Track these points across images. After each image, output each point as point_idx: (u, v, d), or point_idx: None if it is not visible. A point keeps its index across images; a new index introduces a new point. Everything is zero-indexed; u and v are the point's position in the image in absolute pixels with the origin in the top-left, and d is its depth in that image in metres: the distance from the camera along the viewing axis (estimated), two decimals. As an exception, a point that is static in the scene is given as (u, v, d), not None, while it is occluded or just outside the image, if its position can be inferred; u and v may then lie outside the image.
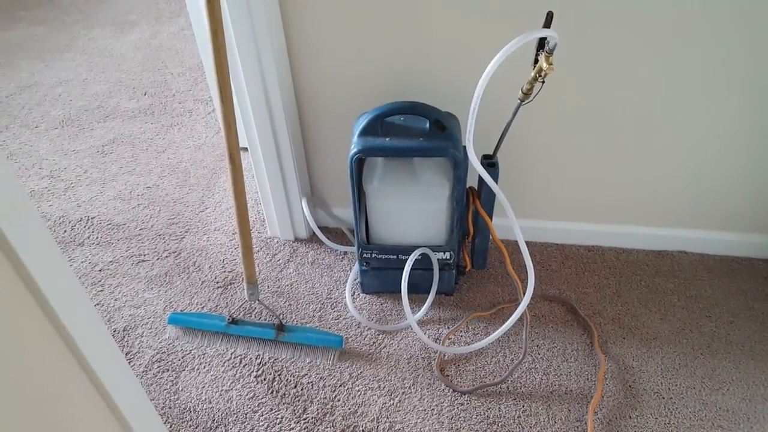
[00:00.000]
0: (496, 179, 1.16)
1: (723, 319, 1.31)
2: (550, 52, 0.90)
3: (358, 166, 1.18)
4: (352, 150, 1.11)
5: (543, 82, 0.95)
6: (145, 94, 2.20)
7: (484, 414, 1.14)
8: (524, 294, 1.11)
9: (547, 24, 0.90)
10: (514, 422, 1.12)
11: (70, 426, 0.67)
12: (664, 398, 1.15)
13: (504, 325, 1.12)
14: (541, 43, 0.91)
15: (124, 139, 1.96)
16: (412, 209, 1.23)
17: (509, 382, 1.19)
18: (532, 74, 0.95)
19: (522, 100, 1.01)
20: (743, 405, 1.14)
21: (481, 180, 1.20)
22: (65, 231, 1.59)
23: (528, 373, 1.21)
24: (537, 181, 1.39)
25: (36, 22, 2.78)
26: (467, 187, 1.25)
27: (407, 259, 1.23)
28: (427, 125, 1.11)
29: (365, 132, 1.12)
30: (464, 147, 1.10)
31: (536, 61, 0.93)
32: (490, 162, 1.19)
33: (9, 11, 2.87)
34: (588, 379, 1.19)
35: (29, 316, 0.59)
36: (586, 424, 1.11)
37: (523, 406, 1.15)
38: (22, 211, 0.56)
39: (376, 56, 1.21)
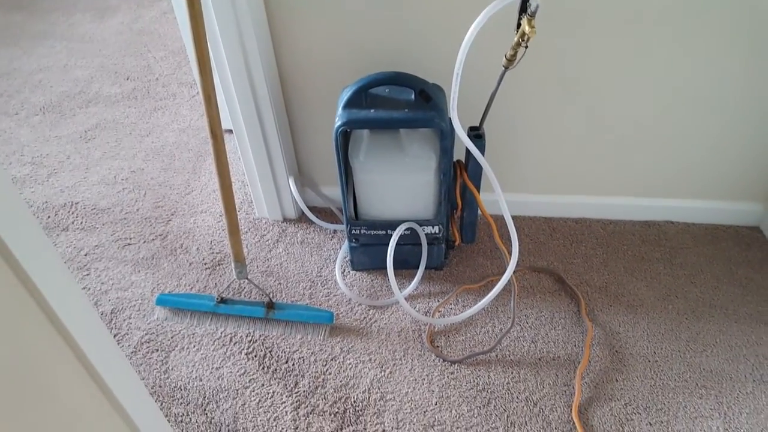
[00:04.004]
0: (482, 151, 1.16)
1: (707, 284, 1.33)
2: (533, 15, 0.89)
3: (344, 139, 1.17)
4: (337, 123, 1.11)
5: (526, 47, 0.94)
6: (127, 79, 2.17)
7: (474, 381, 1.15)
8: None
9: (529, -12, 0.90)
10: (503, 388, 1.13)
11: (60, 406, 0.66)
12: (649, 361, 1.17)
13: (491, 293, 1.13)
14: (524, 6, 0.91)
15: (107, 124, 1.93)
16: (400, 183, 1.23)
17: (498, 350, 1.20)
18: (515, 39, 0.94)
19: (506, 67, 1.01)
20: (726, 365, 1.16)
21: (468, 153, 1.20)
22: (49, 216, 1.57)
23: (516, 342, 1.22)
24: (524, 154, 1.40)
25: (13, 8, 2.72)
26: (455, 160, 1.25)
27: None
28: (413, 96, 1.11)
29: (349, 104, 1.11)
30: (450, 118, 1.10)
31: (519, 25, 0.93)
32: (476, 133, 1.19)
33: (-16, -1, 2.82)
34: (575, 345, 1.21)
35: (16, 299, 0.58)
36: (573, 388, 1.13)
37: (512, 373, 1.16)
38: (5, 197, 0.55)
39: (360, 27, 1.21)
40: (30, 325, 0.60)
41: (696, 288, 1.32)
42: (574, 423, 1.07)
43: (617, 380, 1.14)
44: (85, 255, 1.46)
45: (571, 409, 1.09)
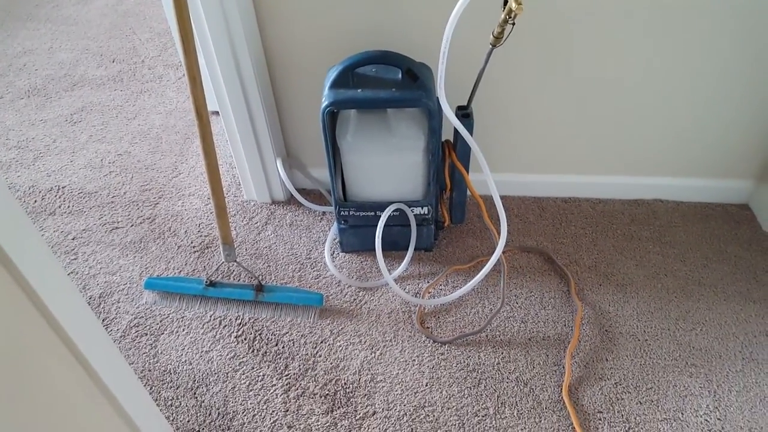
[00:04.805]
0: (470, 131, 1.15)
1: (697, 263, 1.33)
2: (520, -8, 0.87)
3: (331, 120, 1.16)
4: (324, 103, 1.09)
5: (513, 24, 0.93)
6: (113, 61, 2.13)
7: (464, 362, 1.15)
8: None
9: (516, -38, 0.88)
10: (493, 369, 1.14)
11: (47, 392, 0.66)
12: (639, 340, 1.18)
13: (480, 273, 1.13)
14: (511, -18, 0.89)
15: (93, 107, 1.90)
16: (388, 163, 1.22)
17: (488, 331, 1.20)
18: (502, 16, 0.93)
19: (493, 45, 0.99)
20: (716, 343, 1.17)
21: (456, 132, 1.19)
22: (35, 201, 1.55)
23: (506, 322, 1.22)
24: (513, 133, 1.38)
25: (-5, -10, 2.66)
26: (443, 140, 1.24)
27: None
28: (400, 75, 1.10)
29: (336, 84, 1.10)
30: (438, 98, 1.09)
31: (506, 2, 0.91)
32: (464, 113, 1.18)
33: (-34, -20, 2.75)
34: (565, 325, 1.21)
35: (0, 284, 0.57)
36: (563, 367, 1.13)
37: (502, 353, 1.16)
38: None
39: (346, 6, 1.18)
40: (15, 311, 0.60)
41: (685, 266, 1.32)
42: (564, 402, 1.08)
43: (607, 359, 1.15)
44: (73, 239, 1.44)
45: (561, 389, 1.10)
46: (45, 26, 2.39)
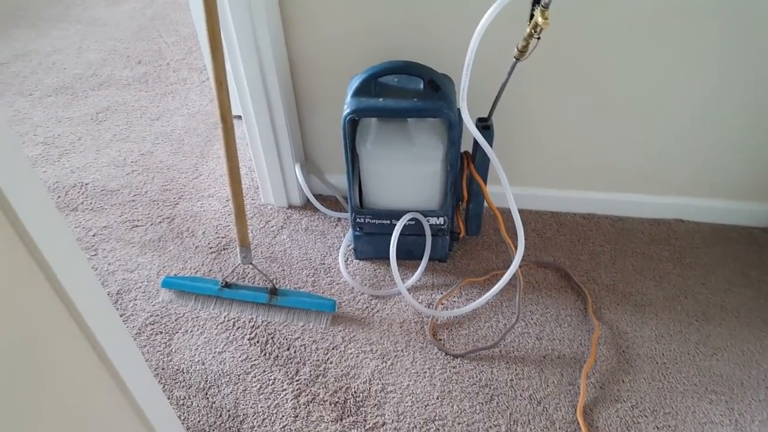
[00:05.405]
0: (490, 142, 1.14)
1: (718, 286, 1.30)
2: (546, 7, 0.87)
3: (352, 127, 1.16)
4: (345, 110, 1.10)
5: (538, 38, 0.92)
6: (139, 63, 2.17)
7: (477, 377, 1.14)
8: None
9: (544, -23, 0.88)
10: (506, 385, 1.12)
11: (67, 386, 0.66)
12: (657, 363, 1.15)
13: (496, 286, 1.12)
14: (538, -4, 0.89)
15: (118, 106, 1.94)
16: (406, 172, 1.22)
17: (502, 346, 1.19)
18: (528, 30, 0.92)
19: (517, 58, 0.99)
20: (737, 370, 1.14)
21: (475, 144, 1.19)
22: (59, 197, 1.58)
23: (521, 338, 1.20)
24: (533, 147, 1.38)
25: (29, -10, 2.73)
26: (462, 151, 1.23)
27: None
28: (421, 85, 1.10)
29: (358, 92, 1.10)
30: (459, 109, 1.08)
31: (532, 16, 0.91)
32: (484, 125, 1.17)
33: (2, -21, 2.83)
34: (581, 344, 1.19)
35: (29, 276, 0.58)
36: (579, 387, 1.11)
37: (516, 370, 1.15)
38: (23, 175, 0.55)
39: (370, 16, 1.19)
40: (39, 300, 0.60)
41: (706, 289, 1.30)
42: (578, 423, 1.05)
43: (624, 381, 1.12)
44: (93, 235, 1.46)
45: (575, 409, 1.08)
46: (74, 27, 2.44)
